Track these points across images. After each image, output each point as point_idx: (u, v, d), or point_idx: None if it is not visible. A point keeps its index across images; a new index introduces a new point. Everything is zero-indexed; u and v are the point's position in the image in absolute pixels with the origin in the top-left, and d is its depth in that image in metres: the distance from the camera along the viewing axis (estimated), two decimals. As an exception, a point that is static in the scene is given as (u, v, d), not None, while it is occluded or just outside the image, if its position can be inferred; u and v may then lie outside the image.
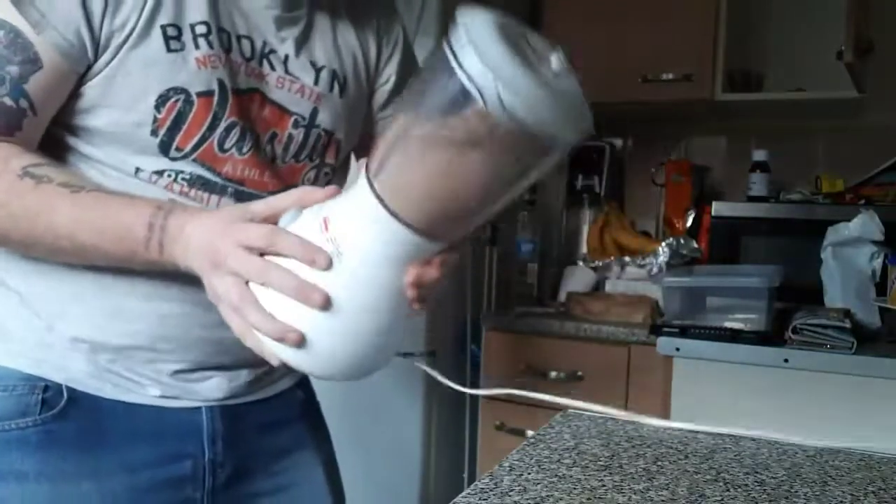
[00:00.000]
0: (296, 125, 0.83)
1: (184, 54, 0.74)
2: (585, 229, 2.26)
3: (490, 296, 2.03)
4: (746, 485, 0.60)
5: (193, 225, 0.67)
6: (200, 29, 0.75)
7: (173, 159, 0.76)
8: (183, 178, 0.77)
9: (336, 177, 0.91)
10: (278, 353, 0.65)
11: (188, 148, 0.77)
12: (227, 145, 0.78)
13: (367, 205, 0.61)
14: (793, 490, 0.59)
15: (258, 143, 0.81)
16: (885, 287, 1.58)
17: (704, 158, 2.28)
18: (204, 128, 0.77)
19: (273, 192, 0.83)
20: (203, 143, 0.77)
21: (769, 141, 2.05)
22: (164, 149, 0.76)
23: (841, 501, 0.56)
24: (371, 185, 0.60)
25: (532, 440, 0.68)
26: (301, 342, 0.63)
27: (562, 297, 2.08)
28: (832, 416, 1.42)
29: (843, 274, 1.65)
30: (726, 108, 2.08)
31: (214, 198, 0.79)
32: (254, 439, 0.87)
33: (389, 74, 0.94)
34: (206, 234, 0.66)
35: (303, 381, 0.96)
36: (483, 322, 1.93)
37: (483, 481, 0.57)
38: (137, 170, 0.76)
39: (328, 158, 0.88)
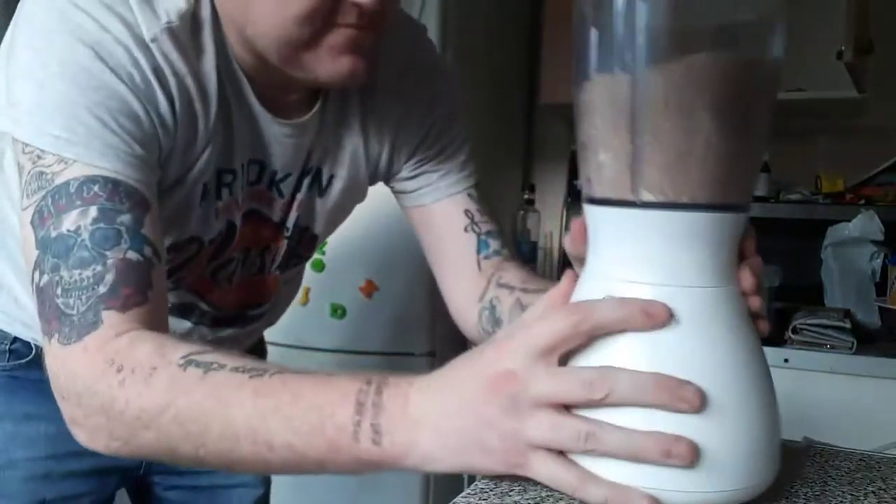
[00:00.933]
0: (284, 236, 0.81)
1: (207, 204, 0.71)
2: (585, 229, 2.26)
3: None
4: (746, 485, 0.60)
5: (422, 392, 0.49)
6: (227, 178, 0.71)
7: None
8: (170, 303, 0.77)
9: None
10: (657, 489, 0.45)
11: (184, 282, 0.76)
12: (220, 276, 0.78)
13: (652, 228, 0.48)
14: (793, 490, 0.59)
15: (245, 264, 0.80)
16: (885, 287, 1.58)
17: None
18: (204, 265, 0.76)
19: (247, 309, 0.84)
20: (199, 277, 0.77)
21: (769, 141, 2.05)
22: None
23: (841, 501, 0.56)
24: (644, 204, 0.48)
25: (532, 440, 0.68)
26: (695, 454, 0.45)
27: (562, 297, 2.08)
28: (832, 416, 1.42)
29: (843, 274, 1.66)
30: (726, 108, 2.07)
31: (187, 324, 0.80)
32: None
33: (413, 171, 0.85)
34: (456, 400, 0.48)
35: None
36: (483, 322, 1.93)
37: (483, 481, 0.57)
38: None
39: (305, 253, 0.87)
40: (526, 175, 2.39)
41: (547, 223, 2.28)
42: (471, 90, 1.94)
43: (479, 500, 0.54)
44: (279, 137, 0.74)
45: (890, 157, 1.88)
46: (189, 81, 0.65)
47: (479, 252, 0.87)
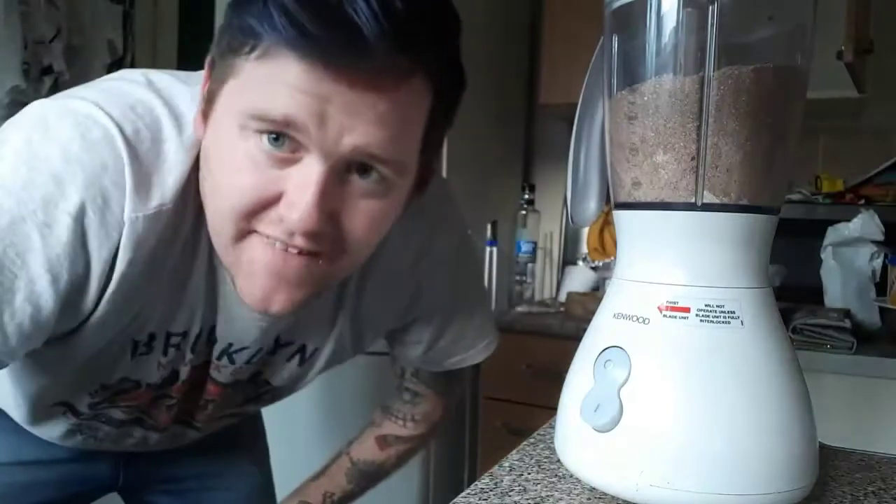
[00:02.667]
0: (234, 387, 0.79)
1: (148, 358, 0.69)
2: (585, 229, 2.26)
3: (490, 296, 2.03)
4: (746, 485, 0.60)
5: None
6: (175, 340, 0.69)
7: (99, 409, 0.76)
8: (105, 417, 0.78)
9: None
10: (712, 493, 0.46)
11: (122, 405, 0.76)
12: (154, 411, 0.78)
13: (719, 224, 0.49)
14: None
15: (186, 406, 0.80)
16: (885, 287, 1.57)
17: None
18: (142, 402, 0.76)
19: (201, 421, 0.83)
20: (139, 405, 0.77)
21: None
22: (94, 406, 0.76)
23: (841, 501, 0.56)
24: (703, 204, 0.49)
25: (532, 440, 0.68)
26: None
27: (562, 297, 2.08)
28: (832, 416, 1.41)
29: (843, 274, 1.65)
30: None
31: (139, 430, 0.82)
32: None
33: (420, 340, 0.84)
34: None
35: None
36: (483, 322, 1.93)
37: (483, 481, 0.57)
38: (67, 402, 0.75)
39: (264, 398, 0.85)
40: (526, 175, 2.39)
41: (547, 223, 2.28)
42: (471, 90, 1.94)
43: (479, 500, 0.53)
44: (248, 320, 0.69)
45: (890, 157, 1.87)
46: (146, 259, 0.60)
47: (396, 387, 0.96)
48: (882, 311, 1.58)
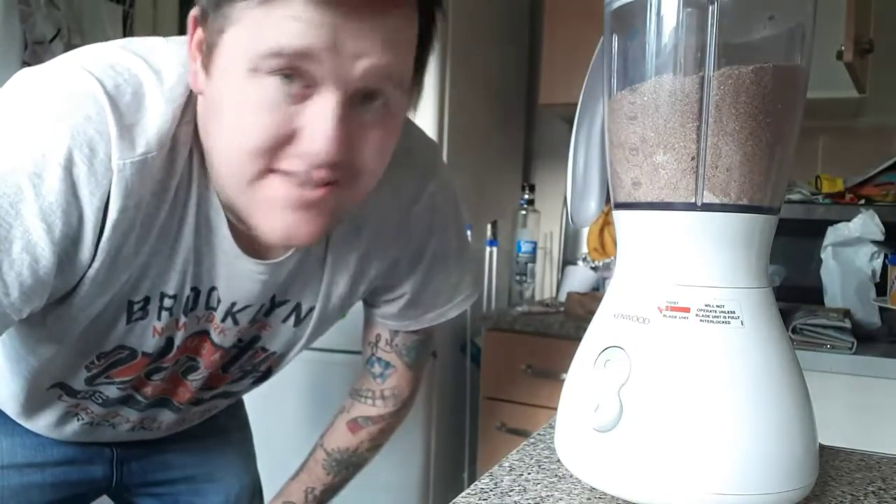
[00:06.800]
0: (229, 349, 0.80)
1: (143, 323, 0.71)
2: (585, 229, 2.26)
3: (490, 296, 2.03)
4: (746, 485, 0.60)
5: None
6: (168, 302, 0.70)
7: (95, 384, 0.77)
8: (101, 397, 0.79)
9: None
10: (717, 494, 0.46)
11: (116, 380, 0.77)
12: (154, 377, 0.78)
13: (719, 224, 0.49)
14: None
15: (185, 369, 0.80)
16: (885, 287, 1.57)
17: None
18: (140, 372, 0.77)
19: (193, 399, 0.85)
20: (133, 379, 0.77)
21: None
22: (90, 381, 0.76)
23: (841, 501, 0.56)
24: (703, 205, 0.49)
25: (532, 440, 0.68)
26: None
27: (562, 297, 2.08)
28: (832, 416, 1.41)
29: (843, 274, 1.65)
30: (726, 108, 2.07)
31: (132, 412, 0.83)
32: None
33: (403, 293, 0.86)
34: None
35: None
36: (483, 322, 1.93)
37: (483, 481, 0.57)
38: (62, 384, 0.76)
39: (261, 367, 0.86)
40: (526, 175, 2.39)
41: (547, 223, 2.28)
42: (471, 90, 1.94)
43: (479, 500, 0.53)
44: (249, 274, 0.71)
45: (890, 157, 1.87)
46: (137, 209, 0.61)
47: (366, 363, 0.95)
48: (882, 311, 1.58)
